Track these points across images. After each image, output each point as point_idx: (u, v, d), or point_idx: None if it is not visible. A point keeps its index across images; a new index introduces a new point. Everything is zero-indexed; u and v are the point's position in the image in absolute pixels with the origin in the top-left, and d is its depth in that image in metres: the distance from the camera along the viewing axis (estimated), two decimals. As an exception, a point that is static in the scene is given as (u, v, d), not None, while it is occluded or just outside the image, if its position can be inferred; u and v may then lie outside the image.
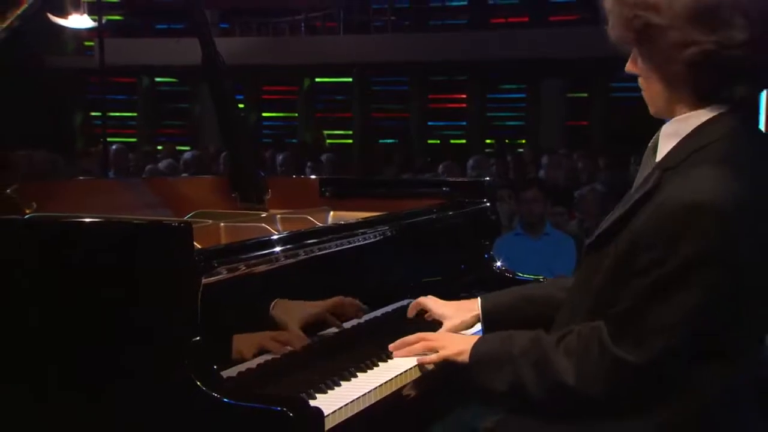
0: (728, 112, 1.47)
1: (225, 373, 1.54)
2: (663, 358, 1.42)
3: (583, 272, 1.61)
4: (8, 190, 2.29)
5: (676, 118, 1.52)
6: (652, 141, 1.59)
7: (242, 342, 1.64)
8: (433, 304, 1.99)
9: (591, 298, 1.54)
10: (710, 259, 1.37)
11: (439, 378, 1.79)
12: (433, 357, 1.76)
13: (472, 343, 1.67)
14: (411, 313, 2.03)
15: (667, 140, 1.52)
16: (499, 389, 1.60)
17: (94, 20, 7.28)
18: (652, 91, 1.54)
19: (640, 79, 1.56)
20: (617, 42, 1.53)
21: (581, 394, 1.48)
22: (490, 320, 1.91)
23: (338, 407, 1.55)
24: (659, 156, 1.53)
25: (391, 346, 1.85)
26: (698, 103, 1.49)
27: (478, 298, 1.94)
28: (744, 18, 1.40)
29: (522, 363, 1.56)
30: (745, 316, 1.45)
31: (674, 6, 1.42)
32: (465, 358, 1.67)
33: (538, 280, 2.45)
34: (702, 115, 1.48)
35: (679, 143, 1.49)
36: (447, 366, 1.74)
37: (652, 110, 1.58)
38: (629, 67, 1.57)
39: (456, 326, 1.92)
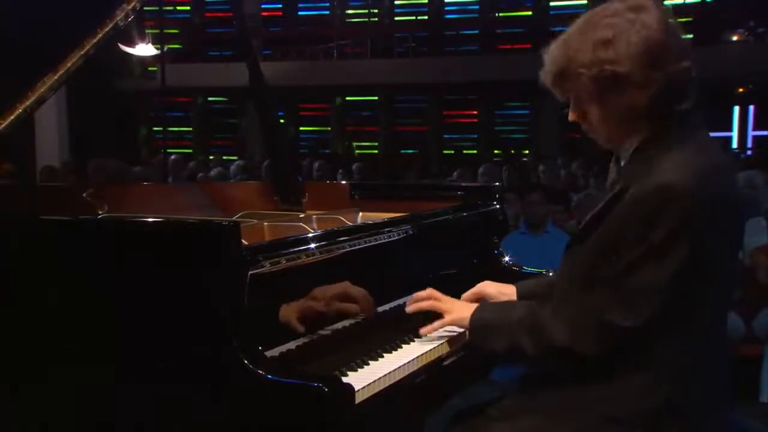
0: (674, 122, 1.51)
1: (268, 353, 1.53)
2: (646, 321, 1.45)
3: (567, 262, 1.63)
4: (84, 194, 2.31)
5: (628, 141, 1.55)
6: (615, 153, 1.63)
7: (283, 326, 1.63)
8: (484, 288, 1.95)
9: (577, 281, 1.57)
10: (681, 232, 1.41)
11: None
12: (436, 324, 1.78)
13: (471, 311, 1.70)
14: (467, 299, 1.95)
15: (626, 151, 1.57)
16: (497, 350, 1.65)
17: (157, 48, 7.35)
18: (606, 130, 1.56)
19: (584, 126, 1.58)
20: (574, 98, 1.55)
21: (571, 353, 1.52)
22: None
23: (367, 383, 1.54)
24: (623, 162, 1.58)
25: (407, 308, 1.83)
26: (652, 126, 1.52)
27: (515, 285, 1.94)
28: (680, 53, 1.48)
29: (518, 329, 1.60)
30: (714, 281, 1.48)
31: (631, 55, 1.45)
32: (466, 323, 1.70)
33: (541, 273, 2.42)
34: (653, 128, 1.52)
35: (637, 149, 1.53)
36: (463, 345, 1.76)
37: (603, 142, 1.60)
38: (574, 117, 1.59)
39: None
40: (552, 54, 1.54)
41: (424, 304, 1.81)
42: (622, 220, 1.47)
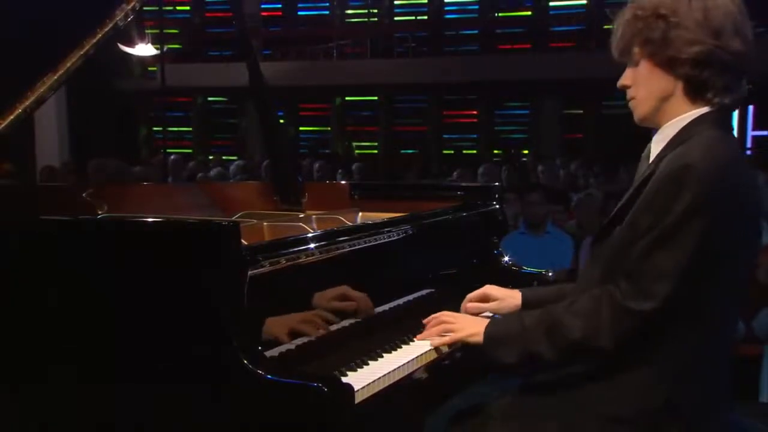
0: (709, 113, 1.53)
1: (268, 354, 1.54)
2: (663, 305, 1.44)
3: (589, 262, 1.63)
4: (84, 194, 2.31)
5: (664, 125, 1.56)
6: (645, 151, 1.63)
7: (283, 326, 1.63)
8: (489, 290, 1.95)
9: (598, 277, 1.55)
10: (699, 211, 1.41)
11: (457, 357, 1.77)
12: (447, 339, 1.75)
13: (484, 326, 1.68)
14: (472, 299, 1.96)
15: (657, 145, 1.58)
16: (510, 362, 1.61)
17: (157, 48, 7.34)
18: (648, 92, 1.57)
19: (630, 90, 1.60)
20: (622, 51, 1.58)
21: (588, 347, 1.50)
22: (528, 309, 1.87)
23: (367, 383, 1.54)
24: (652, 158, 1.57)
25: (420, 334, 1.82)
26: (687, 105, 1.54)
27: (520, 291, 1.92)
28: (738, 35, 1.51)
29: (533, 333, 1.56)
30: (721, 280, 1.47)
31: (690, 13, 1.51)
32: (479, 339, 1.67)
33: (541, 273, 2.43)
34: (686, 119, 1.54)
35: (669, 142, 1.54)
36: (462, 346, 1.74)
37: (639, 115, 1.61)
38: (624, 81, 1.61)
39: (501, 308, 1.91)
40: (623, 11, 1.59)
41: (435, 330, 1.78)
42: (645, 204, 1.48)
